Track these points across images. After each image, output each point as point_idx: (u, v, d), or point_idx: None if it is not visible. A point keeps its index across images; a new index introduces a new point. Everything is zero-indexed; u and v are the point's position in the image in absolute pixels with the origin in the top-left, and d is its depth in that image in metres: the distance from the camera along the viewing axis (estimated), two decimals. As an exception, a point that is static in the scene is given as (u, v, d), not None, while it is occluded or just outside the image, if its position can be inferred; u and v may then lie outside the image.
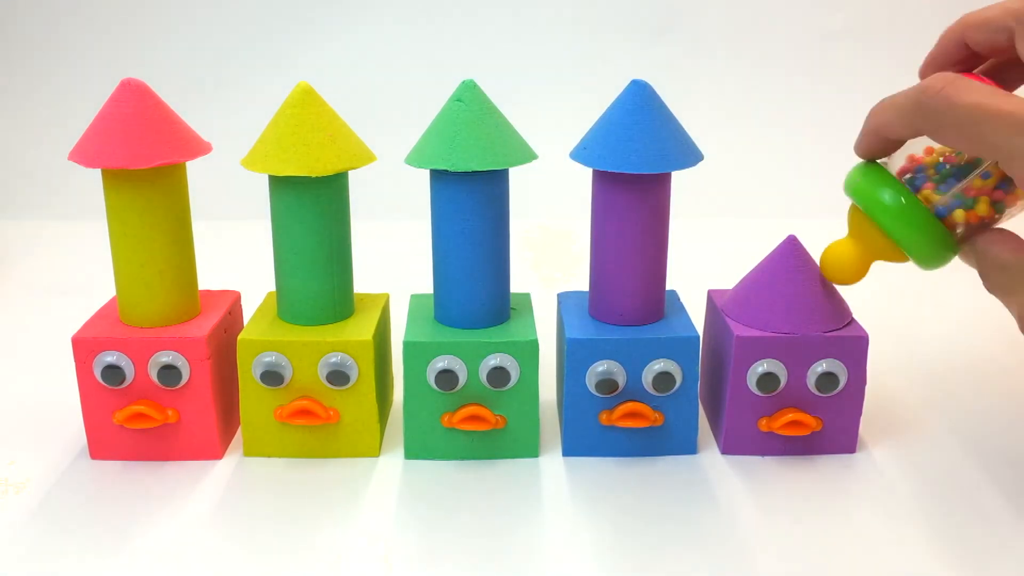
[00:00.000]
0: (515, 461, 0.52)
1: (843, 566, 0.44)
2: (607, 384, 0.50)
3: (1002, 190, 0.44)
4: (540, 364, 0.51)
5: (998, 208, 0.45)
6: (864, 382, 0.51)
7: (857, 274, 0.49)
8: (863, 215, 0.47)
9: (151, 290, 0.51)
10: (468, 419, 0.50)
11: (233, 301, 0.55)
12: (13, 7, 0.98)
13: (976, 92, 0.40)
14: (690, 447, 0.52)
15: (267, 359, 0.50)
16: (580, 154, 0.49)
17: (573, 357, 0.50)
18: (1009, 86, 0.47)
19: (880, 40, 0.97)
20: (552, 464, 0.52)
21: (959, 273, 0.79)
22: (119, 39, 0.99)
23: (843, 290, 0.53)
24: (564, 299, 0.55)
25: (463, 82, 0.49)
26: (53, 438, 0.54)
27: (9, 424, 0.56)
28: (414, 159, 0.49)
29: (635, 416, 0.50)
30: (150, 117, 0.48)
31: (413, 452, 0.52)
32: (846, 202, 0.49)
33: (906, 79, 0.47)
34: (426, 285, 0.54)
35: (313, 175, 0.48)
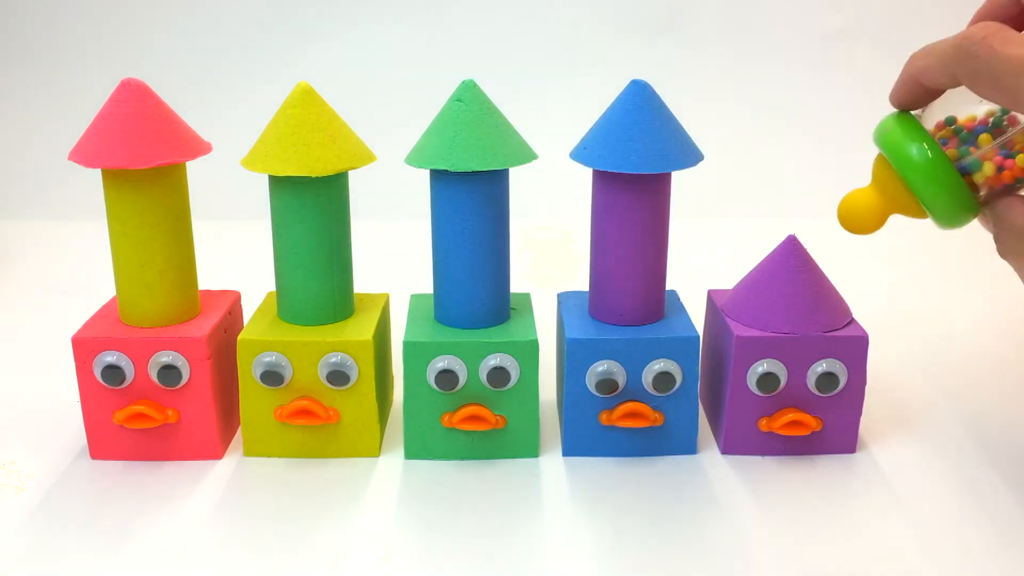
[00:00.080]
0: (515, 461, 0.52)
1: (843, 566, 0.44)
2: (607, 384, 0.50)
3: None
4: (540, 364, 0.51)
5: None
6: (864, 382, 0.51)
7: (873, 225, 0.47)
8: (888, 166, 0.45)
9: (151, 290, 0.51)
10: (468, 419, 0.50)
11: (233, 301, 0.55)
12: (13, 7, 0.98)
13: (1019, 45, 0.39)
14: (690, 447, 0.52)
15: (267, 359, 0.50)
16: (580, 154, 0.49)
17: (573, 357, 0.50)
18: None
19: (880, 40, 0.97)
20: (552, 464, 0.52)
21: (959, 273, 0.79)
22: (119, 39, 0.99)
23: (843, 290, 0.53)
24: (564, 299, 0.55)
25: (463, 82, 0.49)
26: (53, 438, 0.54)
27: (9, 424, 0.56)
28: (414, 159, 0.49)
29: (635, 416, 0.50)
30: (150, 117, 0.48)
31: (413, 452, 0.52)
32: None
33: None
34: (426, 285, 0.54)
35: (313, 175, 0.48)
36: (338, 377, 0.50)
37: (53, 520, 0.47)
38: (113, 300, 0.54)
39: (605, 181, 0.50)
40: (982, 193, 0.44)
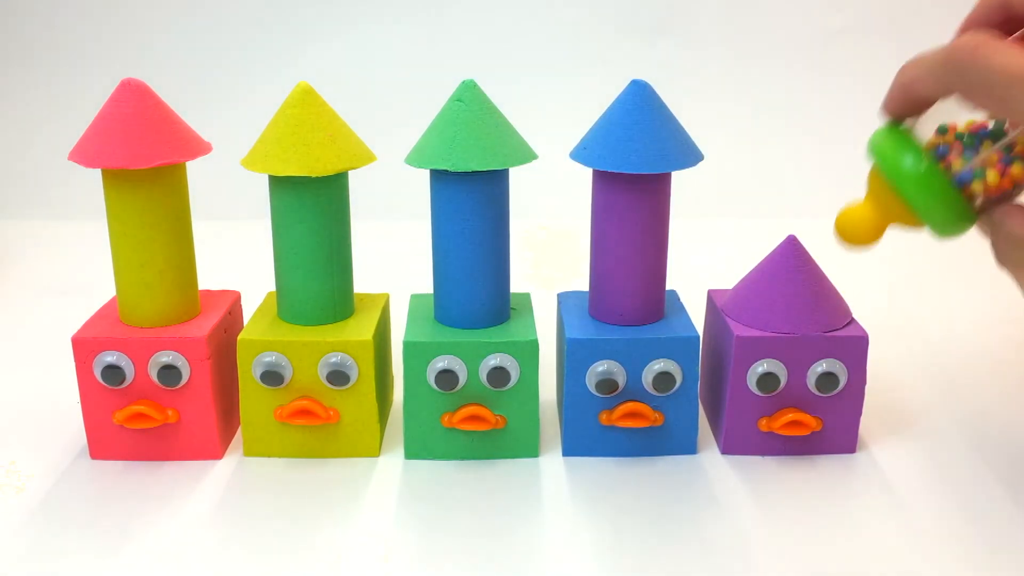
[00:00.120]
0: (515, 461, 0.52)
1: (843, 566, 0.44)
2: (607, 384, 0.50)
3: None
4: (540, 364, 0.51)
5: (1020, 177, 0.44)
6: (864, 382, 0.51)
7: (871, 238, 0.46)
8: (882, 178, 0.45)
9: (151, 290, 0.51)
10: (468, 419, 0.50)
11: (233, 301, 0.55)
12: (13, 7, 0.98)
13: (1009, 54, 0.38)
14: (690, 447, 0.52)
15: (267, 359, 0.50)
16: (580, 154, 0.49)
17: (573, 357, 0.50)
18: None
19: (881, 40, 0.97)
20: (552, 464, 0.52)
21: (959, 273, 0.79)
22: (119, 39, 0.99)
23: (843, 290, 0.53)
24: (564, 299, 0.55)
25: (463, 82, 0.49)
26: (53, 438, 0.54)
27: (9, 424, 0.56)
28: (414, 159, 0.49)
29: (635, 416, 0.50)
30: (150, 117, 0.48)
31: (413, 452, 0.52)
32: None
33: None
34: (426, 285, 0.54)
35: (313, 175, 0.48)
36: (338, 377, 0.50)
37: (53, 520, 0.47)
38: (113, 300, 0.54)
39: (605, 181, 0.50)
40: (979, 202, 0.44)
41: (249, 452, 0.53)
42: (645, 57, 0.99)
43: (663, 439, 0.52)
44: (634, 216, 0.49)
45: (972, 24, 0.46)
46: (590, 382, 0.50)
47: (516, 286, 0.55)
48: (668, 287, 0.53)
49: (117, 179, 0.49)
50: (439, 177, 0.49)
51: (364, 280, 0.57)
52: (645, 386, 0.51)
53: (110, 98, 0.49)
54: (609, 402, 0.51)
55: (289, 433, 0.52)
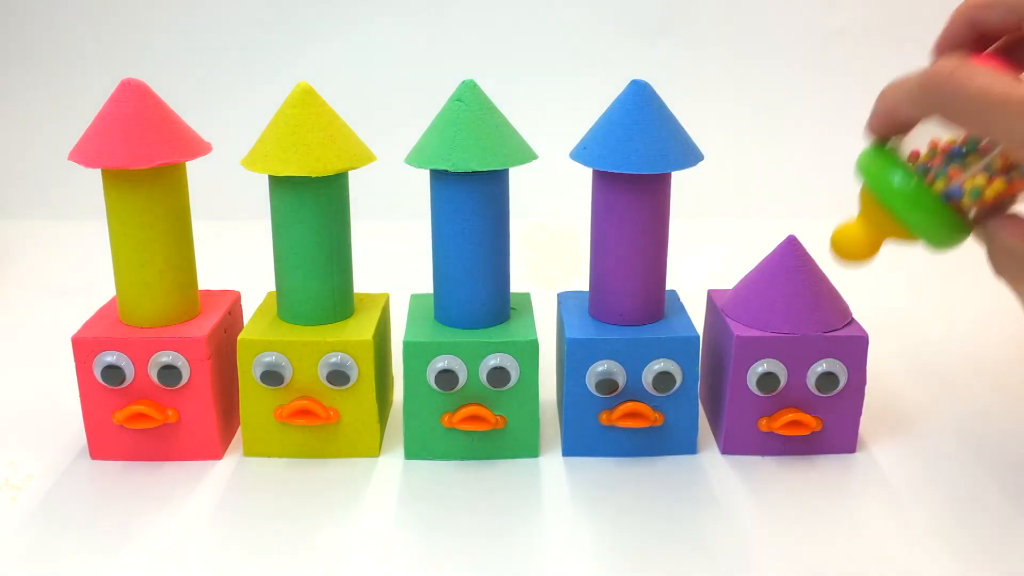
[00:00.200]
0: (515, 461, 0.52)
1: (843, 566, 0.43)
2: (607, 384, 0.50)
3: (1017, 173, 0.43)
4: (540, 364, 0.51)
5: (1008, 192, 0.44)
6: (864, 382, 0.51)
7: (867, 254, 0.47)
8: (873, 197, 0.46)
9: (151, 290, 0.51)
10: (468, 419, 0.50)
11: (233, 301, 0.55)
12: (13, 7, 0.98)
13: (984, 77, 0.39)
14: (690, 447, 0.52)
15: (267, 359, 0.50)
16: (580, 154, 0.49)
17: (573, 357, 0.50)
18: (1022, 65, 0.46)
19: (881, 40, 0.97)
20: (552, 464, 0.52)
21: (958, 273, 0.79)
22: (119, 39, 0.99)
23: (843, 290, 0.53)
24: (564, 299, 0.55)
25: (463, 82, 0.49)
26: (53, 438, 0.54)
27: (9, 424, 0.56)
28: (414, 159, 0.49)
29: (635, 416, 0.50)
30: (150, 117, 0.48)
31: (413, 452, 0.52)
32: (846, 202, 0.49)
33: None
34: (426, 285, 0.54)
35: (313, 175, 0.48)
36: (338, 377, 0.50)
37: (53, 520, 0.47)
38: (113, 300, 0.54)
39: (605, 181, 0.50)
40: (972, 213, 0.44)
41: (249, 452, 0.53)
42: (645, 57, 0.99)
43: (663, 439, 0.52)
44: (634, 216, 0.49)
45: (944, 45, 0.47)
46: (590, 382, 0.50)
47: (516, 286, 0.55)
48: (668, 287, 0.53)
49: (117, 179, 0.49)
50: (439, 177, 0.49)
51: (364, 280, 0.57)
52: (645, 386, 0.51)
53: (110, 98, 0.49)
54: (609, 402, 0.51)
55: (289, 433, 0.52)
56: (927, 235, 0.44)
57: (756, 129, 0.99)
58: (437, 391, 0.51)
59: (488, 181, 0.49)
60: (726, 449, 0.53)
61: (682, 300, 0.55)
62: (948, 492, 0.49)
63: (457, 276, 0.51)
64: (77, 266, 0.83)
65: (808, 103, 0.99)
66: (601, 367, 0.50)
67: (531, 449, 0.52)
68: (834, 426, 0.52)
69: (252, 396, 0.51)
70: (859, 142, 0.47)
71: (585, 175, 0.52)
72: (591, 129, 0.50)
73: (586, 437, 0.52)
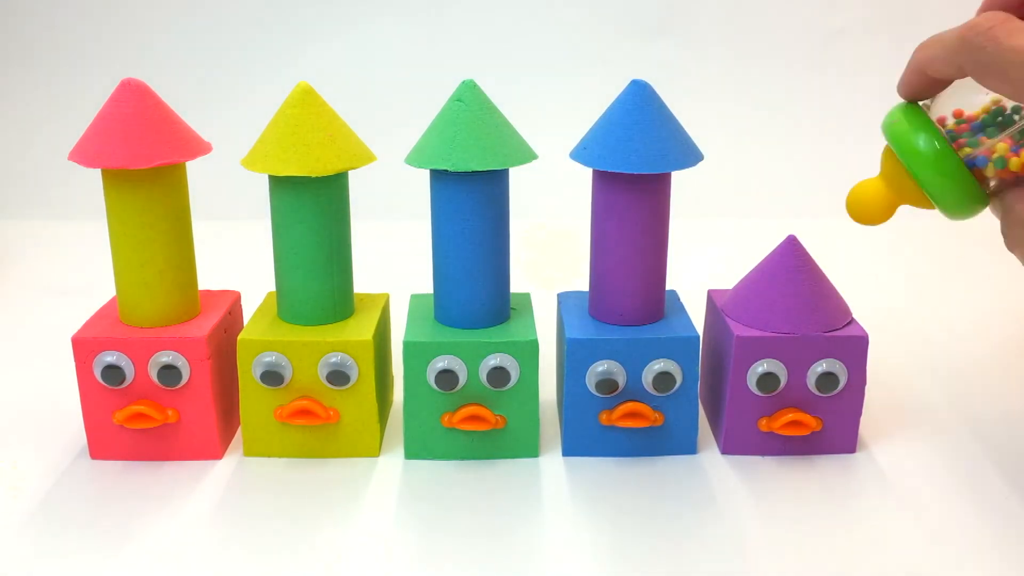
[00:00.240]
0: (515, 461, 0.52)
1: (843, 566, 0.43)
2: (607, 384, 0.50)
3: None
4: (540, 364, 0.51)
5: None
6: (864, 382, 0.51)
7: (881, 216, 0.46)
8: (896, 157, 0.45)
9: (151, 290, 0.51)
10: (468, 419, 0.50)
11: (233, 301, 0.55)
12: (13, 7, 0.98)
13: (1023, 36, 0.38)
14: (690, 447, 0.52)
15: (267, 359, 0.50)
16: (580, 154, 0.49)
17: (573, 357, 0.50)
18: None
19: (881, 40, 0.97)
20: (552, 464, 0.52)
21: (959, 273, 0.79)
22: (119, 39, 0.99)
23: (843, 290, 0.53)
24: (564, 299, 0.55)
25: (463, 82, 0.49)
26: (53, 438, 0.54)
27: (9, 424, 0.56)
28: (414, 159, 0.49)
29: (635, 416, 0.50)
30: (150, 117, 0.48)
31: (413, 452, 0.52)
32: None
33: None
34: (426, 285, 0.54)
35: (313, 175, 0.48)
36: (338, 377, 0.50)
37: (53, 520, 0.47)
38: (113, 300, 0.54)
39: (605, 181, 0.50)
40: (992, 184, 0.44)
41: (249, 452, 0.53)
42: (645, 57, 0.99)
43: (663, 439, 0.52)
44: (634, 216, 0.49)
45: (990, 5, 0.45)
46: (590, 382, 0.50)
47: (516, 286, 0.55)
48: (668, 287, 0.53)
49: (117, 179, 0.49)
50: (439, 177, 0.49)
51: (364, 280, 0.57)
52: (645, 386, 0.51)
53: (110, 98, 0.49)
54: (609, 402, 0.51)
55: (289, 433, 0.52)
56: (944, 201, 0.44)
57: (756, 129, 0.99)
58: (437, 391, 0.51)
59: (488, 181, 0.49)
60: (726, 449, 0.53)
61: (682, 300, 0.55)
62: (948, 492, 0.49)
63: (457, 276, 0.51)
64: (77, 266, 0.83)
65: (808, 103, 0.99)
66: (601, 367, 0.50)
67: (531, 449, 0.52)
68: (834, 426, 0.52)
69: (252, 396, 0.51)
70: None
71: (585, 175, 0.52)
72: (591, 129, 0.50)
73: (586, 437, 0.52)
